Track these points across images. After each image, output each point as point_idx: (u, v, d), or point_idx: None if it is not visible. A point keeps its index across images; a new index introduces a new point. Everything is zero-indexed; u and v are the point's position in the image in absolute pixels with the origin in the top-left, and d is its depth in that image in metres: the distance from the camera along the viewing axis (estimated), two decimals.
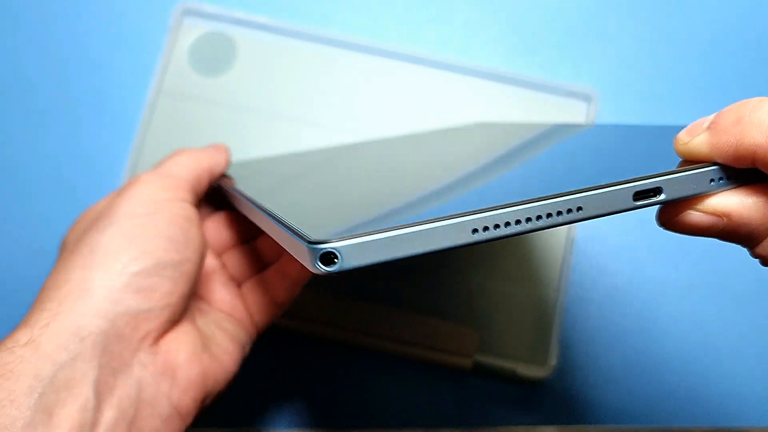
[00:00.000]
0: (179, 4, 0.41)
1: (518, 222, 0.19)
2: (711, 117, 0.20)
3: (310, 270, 0.17)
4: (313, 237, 0.17)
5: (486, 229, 0.18)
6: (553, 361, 0.37)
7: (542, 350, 0.38)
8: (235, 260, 0.32)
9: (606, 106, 0.41)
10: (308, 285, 0.38)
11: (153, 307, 0.25)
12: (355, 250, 0.17)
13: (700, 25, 0.43)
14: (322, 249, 0.17)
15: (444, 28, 0.42)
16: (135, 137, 0.40)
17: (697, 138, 0.21)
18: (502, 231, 0.18)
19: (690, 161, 0.21)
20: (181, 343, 0.26)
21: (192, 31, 0.41)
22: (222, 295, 0.30)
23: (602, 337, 0.39)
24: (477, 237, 0.18)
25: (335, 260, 0.17)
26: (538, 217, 0.19)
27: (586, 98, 0.41)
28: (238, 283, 0.31)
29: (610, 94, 0.41)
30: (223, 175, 0.31)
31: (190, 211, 0.27)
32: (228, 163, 0.32)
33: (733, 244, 0.21)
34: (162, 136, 0.40)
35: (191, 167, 0.29)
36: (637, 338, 0.39)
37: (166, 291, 0.25)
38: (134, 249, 0.25)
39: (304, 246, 0.17)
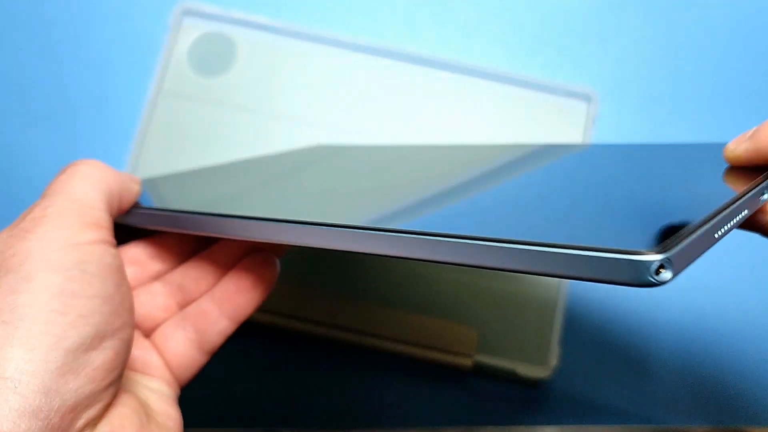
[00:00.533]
0: (179, 4, 0.41)
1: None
2: (755, 127, 0.24)
3: (634, 285, 0.15)
4: (637, 248, 0.15)
5: None
6: (553, 361, 0.37)
7: (542, 350, 0.38)
8: (147, 301, 0.26)
9: (606, 106, 0.41)
10: (307, 286, 0.38)
11: (95, 389, 0.19)
12: (682, 256, 0.15)
13: (701, 25, 0.43)
14: (656, 261, 0.15)
15: (444, 28, 0.42)
16: (135, 137, 0.40)
17: (741, 146, 0.25)
18: None
19: (737, 167, 0.24)
20: (125, 419, 0.21)
21: (192, 31, 0.41)
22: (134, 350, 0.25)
23: (602, 337, 0.39)
24: None
25: (662, 270, 0.15)
26: None
27: (586, 98, 0.41)
28: (145, 332, 0.26)
29: (610, 94, 0.41)
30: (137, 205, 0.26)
31: (118, 258, 0.22)
32: (138, 194, 0.26)
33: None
34: (162, 136, 0.40)
35: (102, 187, 0.23)
36: (637, 338, 0.39)
37: (109, 366, 0.20)
38: (68, 315, 0.19)
39: (624, 261, 0.15)
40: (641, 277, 0.15)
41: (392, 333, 0.37)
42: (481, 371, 0.38)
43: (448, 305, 0.38)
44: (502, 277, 0.38)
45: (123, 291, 0.21)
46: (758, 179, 0.21)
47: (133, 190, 0.25)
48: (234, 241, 0.27)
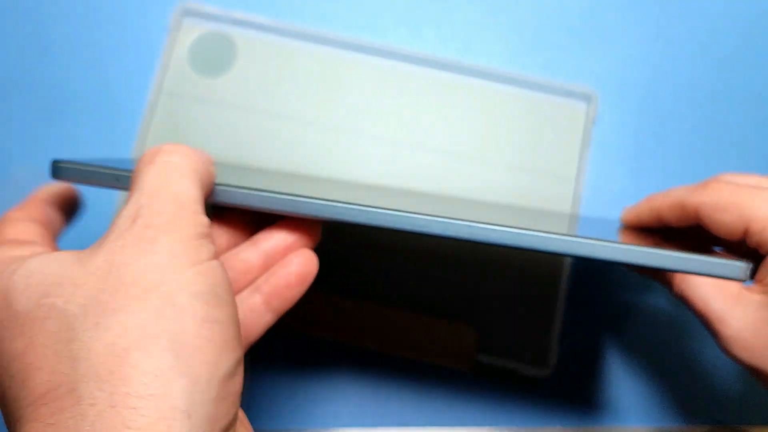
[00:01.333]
0: (179, 4, 0.41)
1: None
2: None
3: (739, 280, 0.23)
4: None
5: None
6: (553, 360, 0.37)
7: (542, 350, 0.38)
8: None
9: (606, 106, 0.41)
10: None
11: (235, 412, 0.21)
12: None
13: (701, 24, 0.43)
14: (750, 267, 0.23)
15: (444, 28, 0.42)
16: (135, 137, 0.40)
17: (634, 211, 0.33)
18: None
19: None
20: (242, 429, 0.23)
21: (192, 32, 0.41)
22: None
23: (602, 337, 0.39)
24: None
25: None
26: None
27: (586, 98, 0.41)
28: None
29: (610, 94, 0.41)
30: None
31: (227, 272, 0.22)
32: (215, 176, 0.26)
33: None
34: (162, 136, 0.40)
35: (198, 183, 0.23)
36: (637, 338, 0.39)
37: (241, 389, 0.21)
38: (216, 343, 0.20)
39: (736, 265, 0.23)
40: (746, 275, 0.23)
41: (392, 333, 0.37)
42: (482, 371, 0.38)
43: (448, 305, 0.38)
44: (503, 277, 0.38)
45: (235, 306, 0.22)
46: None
47: (213, 173, 0.25)
48: (300, 224, 0.28)
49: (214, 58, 0.41)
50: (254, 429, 0.37)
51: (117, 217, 0.21)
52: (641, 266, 0.24)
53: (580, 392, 0.38)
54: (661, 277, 0.30)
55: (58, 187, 0.27)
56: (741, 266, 0.23)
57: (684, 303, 0.29)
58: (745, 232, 0.27)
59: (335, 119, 0.40)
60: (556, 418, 0.38)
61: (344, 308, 0.38)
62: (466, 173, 0.40)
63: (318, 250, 0.39)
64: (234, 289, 0.26)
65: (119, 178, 0.25)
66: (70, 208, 0.28)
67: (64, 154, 0.40)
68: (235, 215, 0.28)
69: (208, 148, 0.40)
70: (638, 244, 0.24)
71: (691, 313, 0.29)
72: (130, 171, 0.24)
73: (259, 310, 0.26)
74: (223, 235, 0.27)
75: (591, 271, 0.39)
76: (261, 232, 0.27)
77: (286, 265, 0.27)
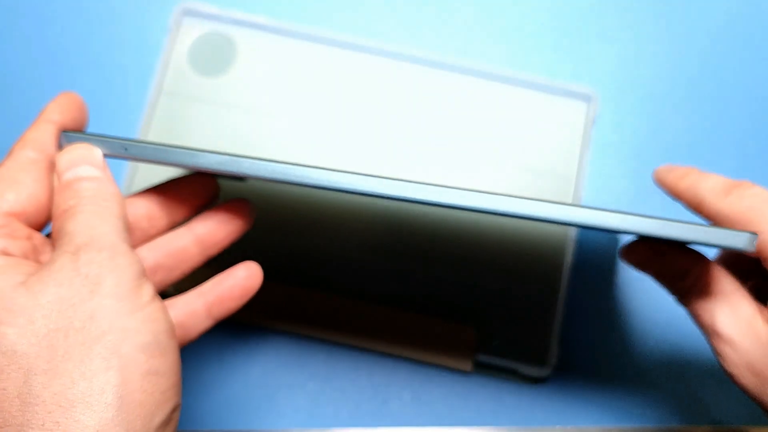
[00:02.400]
0: (179, 4, 0.41)
1: None
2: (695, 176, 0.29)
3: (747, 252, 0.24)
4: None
5: None
6: (553, 360, 0.37)
7: (542, 350, 0.38)
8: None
9: (606, 106, 0.41)
10: (306, 287, 0.38)
11: None
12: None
13: (701, 24, 0.43)
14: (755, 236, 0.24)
15: (444, 28, 0.42)
16: (135, 137, 0.40)
17: (683, 181, 0.30)
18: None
19: None
20: None
21: (192, 32, 0.41)
22: None
23: (602, 337, 0.39)
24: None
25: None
26: None
27: (586, 98, 0.41)
28: None
29: (610, 94, 0.41)
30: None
31: (168, 313, 0.23)
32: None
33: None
34: (162, 136, 0.40)
35: (118, 215, 0.24)
36: (637, 337, 0.39)
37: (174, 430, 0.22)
38: (155, 395, 0.21)
39: (746, 236, 0.24)
40: (752, 246, 0.24)
41: (392, 333, 0.37)
42: (482, 371, 0.38)
43: (448, 305, 0.38)
44: (503, 277, 0.38)
45: (178, 350, 0.23)
46: None
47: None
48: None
49: (214, 58, 0.41)
50: (254, 429, 0.37)
51: (57, 250, 0.22)
52: (646, 236, 0.24)
53: (580, 392, 0.38)
54: (670, 283, 0.29)
55: (64, 103, 0.28)
56: (748, 236, 0.23)
57: (691, 315, 0.28)
58: (759, 253, 0.26)
59: (335, 119, 0.40)
60: (556, 418, 0.38)
61: (344, 309, 0.38)
62: (466, 173, 0.40)
63: (318, 250, 0.39)
64: (174, 276, 0.28)
65: (127, 147, 0.25)
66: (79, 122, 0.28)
67: None
68: (173, 195, 0.28)
69: (208, 147, 0.40)
70: (645, 216, 0.24)
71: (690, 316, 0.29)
72: (140, 140, 0.26)
73: (199, 315, 0.27)
74: (163, 217, 0.28)
75: (591, 271, 0.39)
76: (196, 217, 0.29)
77: (231, 277, 0.28)
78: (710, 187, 0.27)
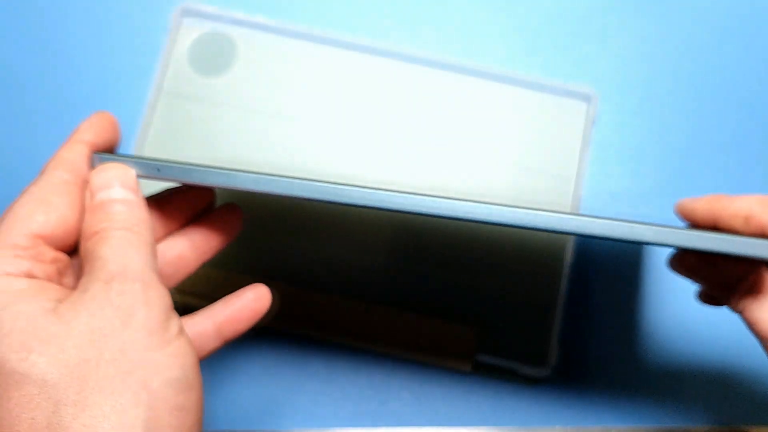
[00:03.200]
0: (179, 4, 0.41)
1: None
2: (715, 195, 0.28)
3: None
4: None
5: None
6: (553, 360, 0.37)
7: (542, 350, 0.38)
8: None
9: (606, 106, 0.41)
10: (306, 288, 0.38)
11: None
12: None
13: (700, 24, 0.43)
14: None
15: (444, 28, 0.42)
16: (135, 137, 0.40)
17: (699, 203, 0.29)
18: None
19: None
20: None
21: (192, 31, 0.41)
22: None
23: (602, 337, 0.39)
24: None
25: None
26: None
27: (586, 98, 0.41)
28: None
29: (610, 94, 0.41)
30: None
31: (194, 347, 0.24)
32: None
33: None
34: (162, 136, 0.40)
35: (149, 245, 0.24)
36: (637, 338, 0.39)
37: None
38: (182, 429, 0.21)
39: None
40: None
41: (392, 333, 0.37)
42: (481, 371, 0.38)
43: (448, 305, 0.38)
44: (503, 277, 0.38)
45: (202, 386, 0.23)
46: None
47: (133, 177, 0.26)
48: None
49: (214, 58, 0.41)
50: (254, 429, 0.37)
51: (88, 276, 0.22)
52: (693, 250, 0.24)
53: (580, 392, 0.38)
54: (722, 291, 0.29)
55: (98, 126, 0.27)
56: None
57: (746, 322, 0.28)
58: None
59: (335, 119, 0.40)
60: (556, 418, 0.38)
61: (345, 309, 0.38)
62: (466, 173, 0.40)
63: (318, 250, 0.39)
64: (172, 282, 0.28)
65: (160, 168, 0.25)
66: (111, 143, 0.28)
67: None
68: (172, 204, 0.29)
69: (208, 147, 0.40)
70: (688, 228, 0.24)
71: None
72: (173, 161, 0.26)
73: (208, 336, 0.27)
74: (162, 228, 0.28)
75: (591, 271, 0.39)
76: (191, 224, 0.29)
77: (241, 299, 0.28)
78: (755, 200, 0.27)
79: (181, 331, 0.23)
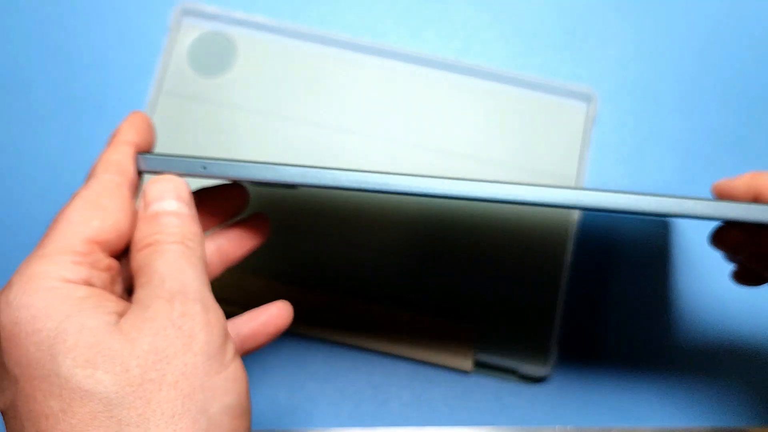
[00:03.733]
0: (179, 4, 0.41)
1: None
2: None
3: None
4: None
5: None
6: (553, 359, 0.37)
7: (542, 350, 0.38)
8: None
9: (606, 106, 0.41)
10: (306, 287, 0.38)
11: None
12: None
13: (700, 24, 0.43)
14: None
15: (444, 28, 0.42)
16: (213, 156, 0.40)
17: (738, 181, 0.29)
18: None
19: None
20: None
21: (192, 31, 0.41)
22: None
23: (602, 337, 0.39)
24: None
25: None
26: None
27: (586, 98, 0.41)
28: None
29: (610, 94, 0.41)
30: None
31: (246, 376, 0.23)
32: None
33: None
34: (162, 136, 0.40)
35: (203, 264, 0.24)
36: (637, 337, 0.39)
37: None
38: None
39: None
40: None
41: (392, 333, 0.37)
42: (482, 370, 0.38)
43: (448, 305, 0.38)
44: (503, 277, 0.38)
45: (251, 413, 0.23)
46: None
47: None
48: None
49: (214, 57, 0.41)
50: (254, 429, 0.37)
51: (147, 291, 0.22)
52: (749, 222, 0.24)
53: (580, 392, 0.38)
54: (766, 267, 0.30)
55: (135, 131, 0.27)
56: None
57: None
58: None
59: (335, 119, 0.40)
60: (556, 418, 0.38)
61: (344, 308, 0.38)
62: (466, 173, 0.40)
63: (317, 250, 0.39)
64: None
65: (206, 165, 0.25)
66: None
67: (65, 153, 0.40)
68: (206, 205, 0.29)
69: (208, 147, 0.40)
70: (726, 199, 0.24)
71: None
72: (218, 158, 0.25)
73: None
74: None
75: (591, 271, 0.39)
76: (219, 229, 0.29)
77: (265, 314, 0.28)
78: None
79: (236, 354, 0.23)
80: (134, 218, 0.24)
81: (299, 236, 0.39)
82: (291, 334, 0.38)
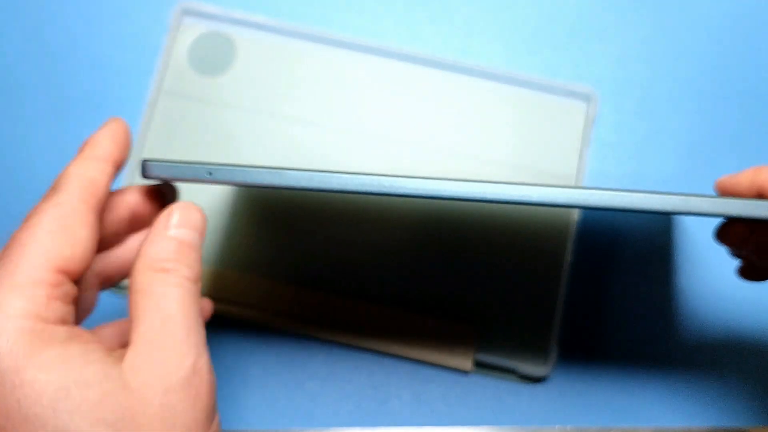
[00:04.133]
0: (179, 4, 0.41)
1: None
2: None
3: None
4: None
5: None
6: (553, 359, 0.37)
7: (542, 350, 0.38)
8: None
9: (606, 106, 0.41)
10: (306, 287, 0.38)
11: None
12: None
13: (701, 24, 0.43)
14: None
15: (444, 28, 0.42)
16: (135, 137, 0.40)
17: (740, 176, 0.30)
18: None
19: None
20: None
21: (191, 31, 0.41)
22: None
23: (602, 337, 0.39)
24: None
25: None
26: None
27: (586, 98, 0.41)
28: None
29: (610, 94, 0.41)
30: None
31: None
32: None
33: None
34: (162, 136, 0.40)
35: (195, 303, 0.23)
36: (637, 337, 0.39)
37: None
38: None
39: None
40: None
41: (392, 333, 0.37)
42: (481, 370, 0.38)
43: (448, 305, 0.38)
44: (503, 276, 0.38)
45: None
46: None
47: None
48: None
49: (213, 57, 0.41)
50: (254, 429, 0.37)
51: (154, 336, 0.21)
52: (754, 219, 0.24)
53: (580, 392, 0.38)
54: None
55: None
56: None
57: None
58: None
59: (335, 119, 0.40)
60: (556, 417, 0.38)
61: (344, 308, 0.38)
62: (466, 172, 0.40)
63: (316, 250, 0.39)
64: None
65: (212, 171, 0.25)
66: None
67: (65, 153, 0.40)
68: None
69: (208, 147, 0.40)
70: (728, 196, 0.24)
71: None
72: (224, 164, 0.25)
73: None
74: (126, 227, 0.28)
75: (591, 270, 0.39)
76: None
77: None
78: None
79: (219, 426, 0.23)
80: (96, 244, 0.23)
81: (299, 236, 0.39)
82: (291, 334, 0.38)
